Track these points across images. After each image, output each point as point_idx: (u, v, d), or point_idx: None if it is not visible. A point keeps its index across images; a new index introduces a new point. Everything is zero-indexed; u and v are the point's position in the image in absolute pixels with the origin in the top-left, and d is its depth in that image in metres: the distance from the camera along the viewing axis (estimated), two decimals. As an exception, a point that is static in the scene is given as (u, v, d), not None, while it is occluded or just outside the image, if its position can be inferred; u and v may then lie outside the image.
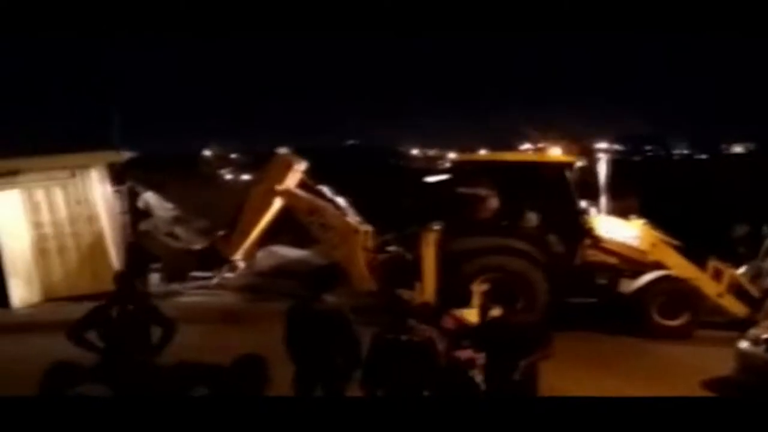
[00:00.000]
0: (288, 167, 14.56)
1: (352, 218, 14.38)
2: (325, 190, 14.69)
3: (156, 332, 7.49)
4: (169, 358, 7.51)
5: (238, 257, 15.13)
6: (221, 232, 15.41)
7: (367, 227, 14.37)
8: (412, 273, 13.01)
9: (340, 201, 14.63)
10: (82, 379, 7.33)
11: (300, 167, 14.68)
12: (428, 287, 12.74)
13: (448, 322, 7.74)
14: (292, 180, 14.55)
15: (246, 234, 14.93)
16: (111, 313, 7.32)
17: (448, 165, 15.22)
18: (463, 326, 8.06)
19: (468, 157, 15.60)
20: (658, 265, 12.93)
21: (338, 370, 7.01)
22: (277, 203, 14.60)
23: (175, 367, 7.79)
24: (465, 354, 7.46)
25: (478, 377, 7.09)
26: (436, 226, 13.32)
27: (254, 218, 14.79)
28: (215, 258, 15.86)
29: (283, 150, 14.90)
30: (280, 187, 14.43)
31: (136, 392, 7.00)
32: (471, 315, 8.54)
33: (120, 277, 7.76)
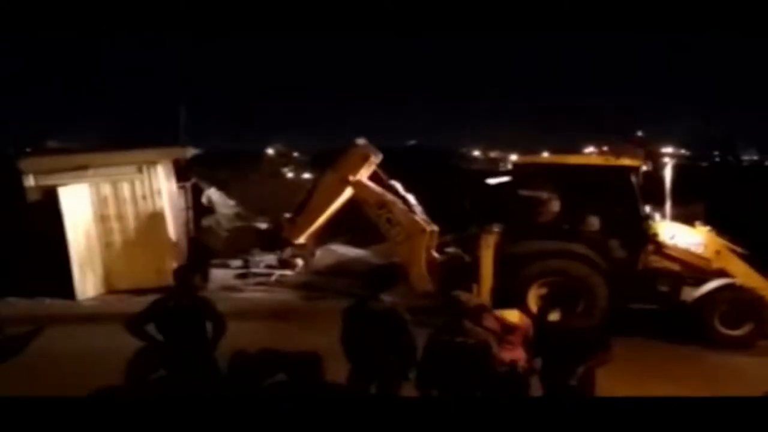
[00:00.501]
0: (364, 159, 14.41)
1: (421, 217, 14.28)
2: (398, 186, 14.60)
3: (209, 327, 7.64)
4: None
5: (301, 241, 14.96)
6: (287, 215, 15.38)
7: (434, 227, 14.27)
8: (470, 275, 12.97)
9: (411, 198, 14.50)
10: (159, 367, 7.56)
11: (376, 160, 14.59)
12: (485, 290, 12.69)
13: (489, 322, 7.66)
14: (365, 172, 14.47)
15: (312, 219, 14.77)
16: (168, 306, 7.50)
17: (509, 167, 15.11)
18: (505, 326, 8.07)
19: (530, 159, 15.46)
20: (722, 273, 12.65)
21: (393, 369, 7.03)
22: (347, 193, 14.50)
23: (256, 355, 7.96)
24: (509, 354, 7.46)
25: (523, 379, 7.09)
26: (496, 229, 13.24)
27: (323, 205, 14.64)
28: (278, 239, 15.93)
29: (361, 141, 14.75)
30: (353, 178, 14.32)
31: (208, 381, 7.20)
32: (512, 316, 8.53)
33: (178, 272, 7.91)
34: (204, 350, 7.50)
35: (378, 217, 14.18)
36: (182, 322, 7.44)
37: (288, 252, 17.05)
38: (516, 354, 7.76)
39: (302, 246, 15.57)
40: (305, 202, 14.87)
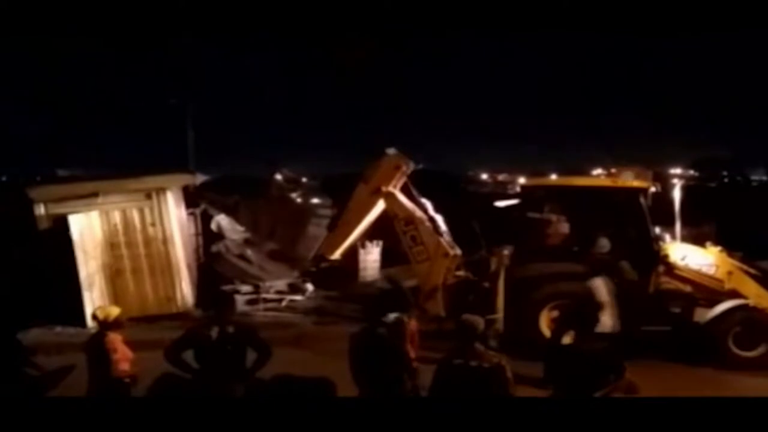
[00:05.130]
0: (396, 168, 14.23)
1: (446, 240, 14.15)
2: (428, 205, 14.46)
3: (251, 355, 7.55)
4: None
5: (337, 257, 14.68)
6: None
7: (458, 252, 14.13)
8: (480, 298, 12.92)
9: (439, 220, 14.36)
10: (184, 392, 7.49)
11: (407, 169, 14.39)
12: (497, 313, 12.63)
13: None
14: (397, 182, 14.28)
15: (347, 234, 14.58)
16: (210, 334, 7.40)
17: (518, 189, 15.07)
18: None
19: (538, 181, 15.48)
20: (734, 294, 12.58)
21: (406, 393, 6.99)
22: (381, 205, 14.29)
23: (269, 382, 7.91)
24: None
25: None
26: (506, 251, 13.21)
27: (357, 218, 14.47)
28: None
29: (391, 150, 14.58)
30: (385, 188, 14.10)
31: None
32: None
33: (221, 299, 7.86)
34: (244, 379, 7.40)
35: (404, 233, 13.98)
36: (225, 351, 7.34)
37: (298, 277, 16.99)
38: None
39: (338, 262, 15.31)
40: (338, 217, 14.74)
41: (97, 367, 7.63)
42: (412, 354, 8.14)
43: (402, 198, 14.10)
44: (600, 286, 11.27)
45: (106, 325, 7.82)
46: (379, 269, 19.68)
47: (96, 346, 7.72)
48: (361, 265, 19.26)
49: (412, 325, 8.64)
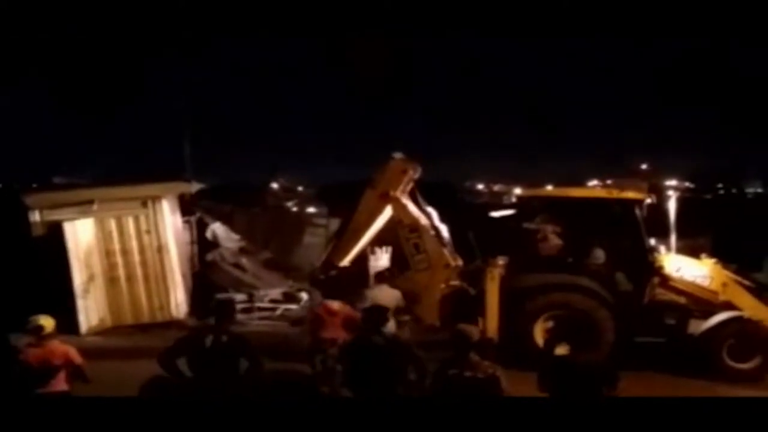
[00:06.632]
0: (403, 172, 14.08)
1: (449, 250, 14.10)
2: (434, 214, 14.38)
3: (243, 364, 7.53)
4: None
5: (346, 264, 14.33)
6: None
7: (459, 263, 14.02)
8: (475, 308, 12.90)
9: (443, 230, 14.29)
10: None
11: (414, 174, 14.24)
12: (491, 323, 12.62)
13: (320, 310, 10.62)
14: (405, 187, 14.14)
15: (356, 240, 14.39)
16: (204, 341, 7.41)
17: (513, 200, 15.07)
18: (328, 311, 10.64)
19: (534, 192, 15.47)
20: (729, 306, 12.58)
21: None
22: (388, 211, 14.10)
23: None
24: (329, 333, 10.25)
25: None
26: (501, 262, 13.21)
27: (365, 223, 14.26)
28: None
29: (398, 154, 14.46)
30: (393, 193, 13.92)
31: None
32: (334, 304, 10.72)
33: (221, 307, 7.85)
34: (236, 388, 7.39)
35: (407, 240, 13.86)
36: (218, 359, 7.33)
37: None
38: (336, 333, 10.14)
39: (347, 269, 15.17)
40: (346, 223, 14.64)
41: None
42: (336, 335, 10.04)
43: (409, 204, 14.04)
44: None
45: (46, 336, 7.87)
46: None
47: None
48: (371, 272, 19.20)
49: (335, 306, 10.53)
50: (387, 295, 11.36)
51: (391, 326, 10.21)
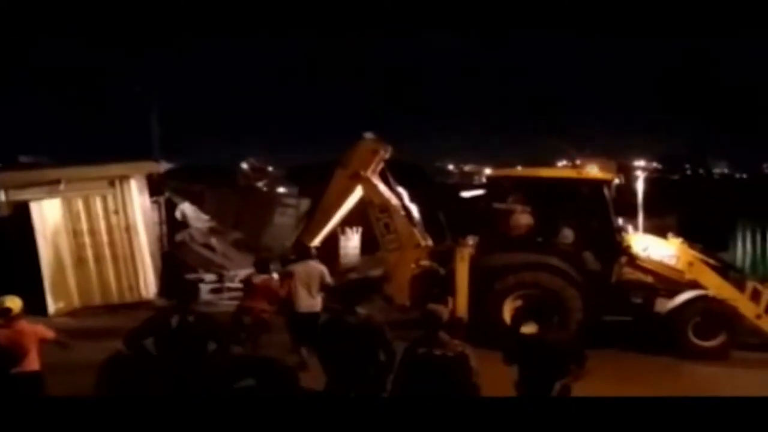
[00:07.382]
0: (374, 152, 14.09)
1: (419, 230, 14.11)
2: (404, 194, 14.35)
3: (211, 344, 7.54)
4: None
5: (316, 244, 13.97)
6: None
7: (429, 243, 14.07)
8: (445, 288, 12.96)
9: (414, 210, 14.28)
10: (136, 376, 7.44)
11: (385, 153, 14.22)
12: (461, 302, 12.69)
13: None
14: (376, 167, 14.14)
15: (325, 221, 14.35)
16: (171, 322, 7.38)
17: (483, 180, 15.11)
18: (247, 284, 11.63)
19: (503, 172, 15.50)
20: (695, 285, 12.75)
21: (370, 381, 7.03)
22: (359, 191, 14.11)
23: (225, 360, 7.85)
24: (251, 303, 11.19)
25: None
26: (471, 242, 13.27)
27: (335, 203, 14.27)
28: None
29: (369, 134, 14.39)
30: (364, 173, 13.94)
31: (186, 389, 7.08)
32: (256, 278, 11.50)
33: (185, 287, 7.82)
34: (203, 368, 7.37)
35: (377, 220, 13.87)
36: (184, 339, 7.30)
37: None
38: (257, 303, 11.11)
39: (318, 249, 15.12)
40: (317, 203, 14.57)
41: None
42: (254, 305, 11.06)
43: (379, 185, 14.03)
44: None
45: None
46: (359, 256, 19.65)
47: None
48: (342, 251, 19.19)
49: (258, 280, 11.40)
50: (313, 270, 11.42)
51: (317, 303, 11.38)
